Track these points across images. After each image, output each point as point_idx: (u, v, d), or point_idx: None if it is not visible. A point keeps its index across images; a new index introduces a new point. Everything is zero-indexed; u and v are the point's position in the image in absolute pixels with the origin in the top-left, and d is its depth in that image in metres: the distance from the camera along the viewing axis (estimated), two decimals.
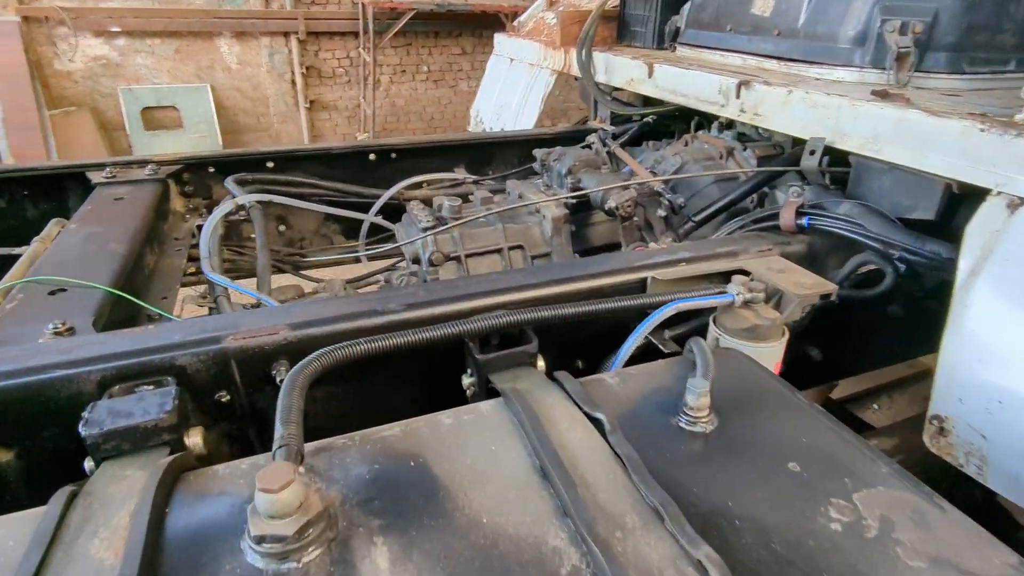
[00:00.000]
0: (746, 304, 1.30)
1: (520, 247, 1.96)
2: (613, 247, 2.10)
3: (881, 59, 1.79)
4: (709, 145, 2.31)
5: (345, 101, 10.18)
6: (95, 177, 2.09)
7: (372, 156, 2.57)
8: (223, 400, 1.11)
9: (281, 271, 2.52)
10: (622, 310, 1.27)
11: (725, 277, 1.44)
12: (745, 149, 2.20)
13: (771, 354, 1.30)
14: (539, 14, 3.67)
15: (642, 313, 1.28)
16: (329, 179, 2.52)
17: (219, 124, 9.21)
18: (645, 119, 2.52)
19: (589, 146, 2.26)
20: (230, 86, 9.30)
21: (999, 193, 1.28)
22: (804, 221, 1.57)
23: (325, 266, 2.69)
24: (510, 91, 3.50)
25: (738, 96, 1.94)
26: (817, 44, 1.93)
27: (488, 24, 10.52)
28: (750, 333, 1.27)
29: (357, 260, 2.64)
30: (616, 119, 2.90)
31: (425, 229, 1.87)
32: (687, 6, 2.53)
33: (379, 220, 2.44)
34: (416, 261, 1.91)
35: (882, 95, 1.58)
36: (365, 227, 2.47)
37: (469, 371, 1.17)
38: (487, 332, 1.17)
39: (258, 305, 1.59)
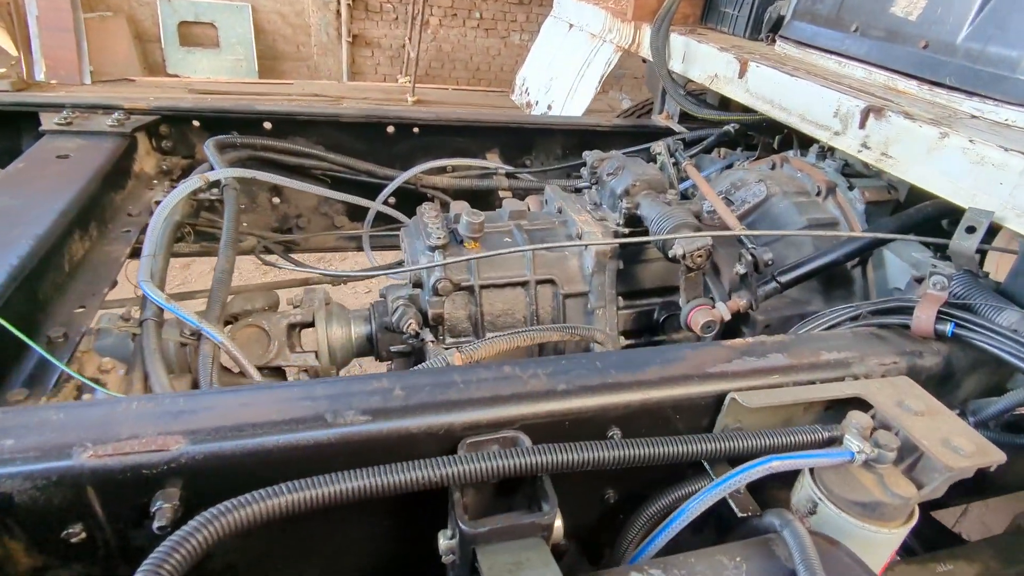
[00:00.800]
0: (867, 464, 0.89)
1: (551, 281, 1.54)
2: (667, 293, 1.67)
3: None
4: (803, 174, 1.85)
5: (390, 39, 9.62)
6: (47, 122, 1.71)
7: (390, 129, 2.14)
8: (75, 540, 0.74)
9: (269, 251, 2.14)
10: (688, 456, 0.87)
11: (834, 406, 1.03)
12: (852, 188, 1.73)
13: (891, 542, 0.90)
14: None
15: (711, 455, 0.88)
16: (337, 150, 2.11)
17: (257, 48, 8.75)
18: (725, 127, 2.04)
19: (655, 158, 1.81)
20: (272, 9, 8.80)
21: None
22: (948, 328, 1.13)
23: (322, 251, 2.30)
24: (565, 62, 3.01)
25: (863, 126, 1.48)
26: (984, 69, 1.44)
27: None
28: (869, 511, 0.87)
29: (359, 248, 2.25)
30: (686, 117, 2.42)
31: (433, 248, 1.46)
32: None
33: (388, 210, 2.03)
34: (418, 285, 1.51)
35: None
36: (371, 215, 2.07)
37: (450, 531, 0.79)
38: (482, 478, 0.78)
39: (197, 338, 1.21)
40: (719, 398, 0.99)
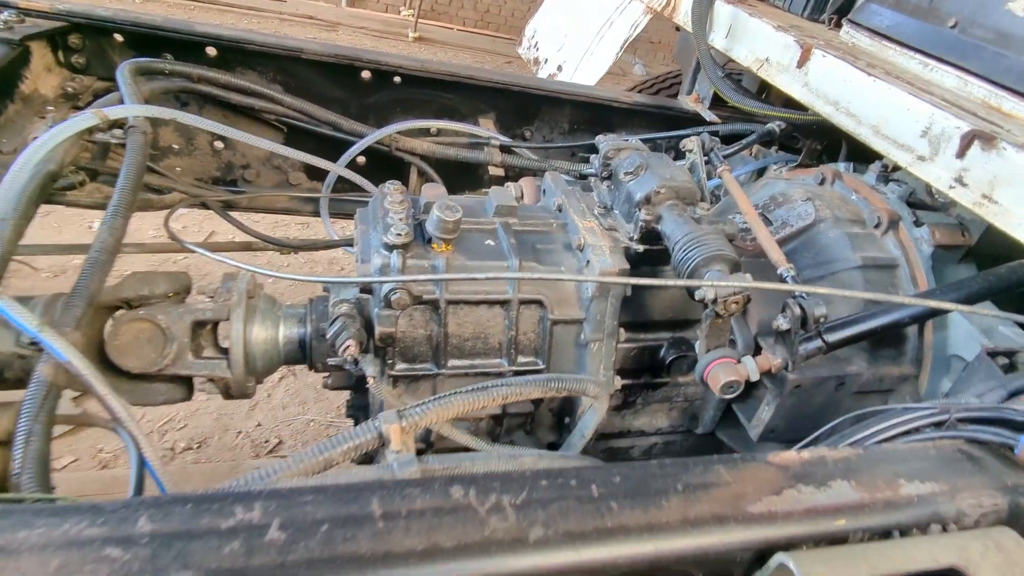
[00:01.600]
0: None
1: (539, 303, 1.21)
2: (680, 327, 1.35)
3: None
4: (859, 197, 1.52)
5: None
6: None
7: (366, 75, 1.75)
8: None
9: (206, 207, 1.77)
10: None
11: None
12: (919, 224, 1.41)
13: None
14: None
15: None
16: (299, 93, 1.72)
17: None
18: (769, 125, 1.68)
19: (682, 154, 1.47)
20: None
21: None
22: None
23: (271, 212, 1.93)
24: (583, 19, 2.60)
25: (961, 155, 1.14)
26: None
27: None
28: None
29: (316, 213, 1.89)
30: (717, 103, 2.06)
31: (391, 247, 1.11)
32: None
33: (352, 175, 1.66)
34: (369, 291, 1.17)
35: None
36: (331, 178, 1.70)
37: None
38: None
39: (37, 349, 0.86)
40: (761, 553, 0.68)
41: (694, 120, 2.00)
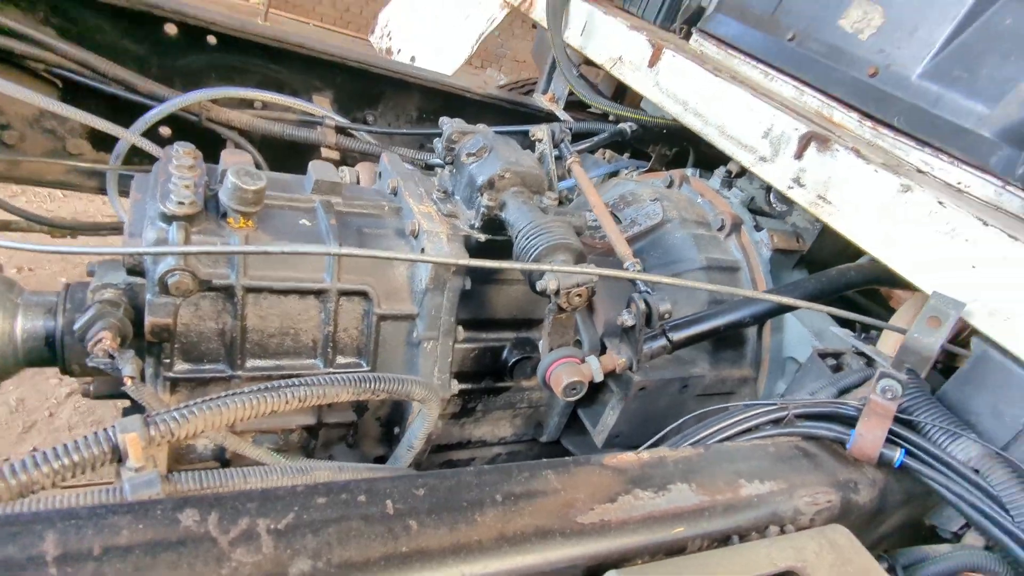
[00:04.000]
0: None
1: (363, 294, 1.03)
2: (524, 326, 1.24)
3: None
4: (705, 201, 1.51)
5: None
6: None
7: (171, 29, 1.47)
8: None
9: None
10: None
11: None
12: (759, 229, 1.42)
13: None
14: None
15: None
16: (87, 44, 1.40)
17: None
18: (621, 125, 1.65)
19: (533, 145, 1.37)
20: None
21: None
22: (897, 457, 0.81)
23: (42, 185, 1.57)
24: (439, 9, 2.48)
25: (799, 156, 1.15)
26: (939, 115, 1.17)
27: None
28: None
29: (102, 189, 1.55)
30: (573, 106, 2.02)
31: (169, 218, 0.88)
32: None
33: (147, 144, 1.37)
34: (138, 272, 0.92)
35: None
36: (121, 147, 1.40)
37: None
38: None
39: None
40: (591, 571, 0.56)
41: (548, 118, 1.94)
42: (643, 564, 0.57)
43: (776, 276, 1.41)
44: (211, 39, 1.52)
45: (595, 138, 1.64)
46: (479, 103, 1.88)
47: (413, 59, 2.52)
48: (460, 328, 1.13)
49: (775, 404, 0.87)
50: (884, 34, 1.29)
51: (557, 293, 0.97)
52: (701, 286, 1.04)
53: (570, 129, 1.47)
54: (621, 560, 0.57)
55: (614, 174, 1.92)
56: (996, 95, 1.11)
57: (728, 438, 0.85)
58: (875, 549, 0.87)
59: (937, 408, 0.88)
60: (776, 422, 0.86)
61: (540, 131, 1.34)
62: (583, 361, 1.07)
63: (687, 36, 1.78)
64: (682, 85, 1.43)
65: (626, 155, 2.00)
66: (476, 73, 9.70)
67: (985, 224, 0.90)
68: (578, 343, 1.20)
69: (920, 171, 1.17)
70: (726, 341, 1.33)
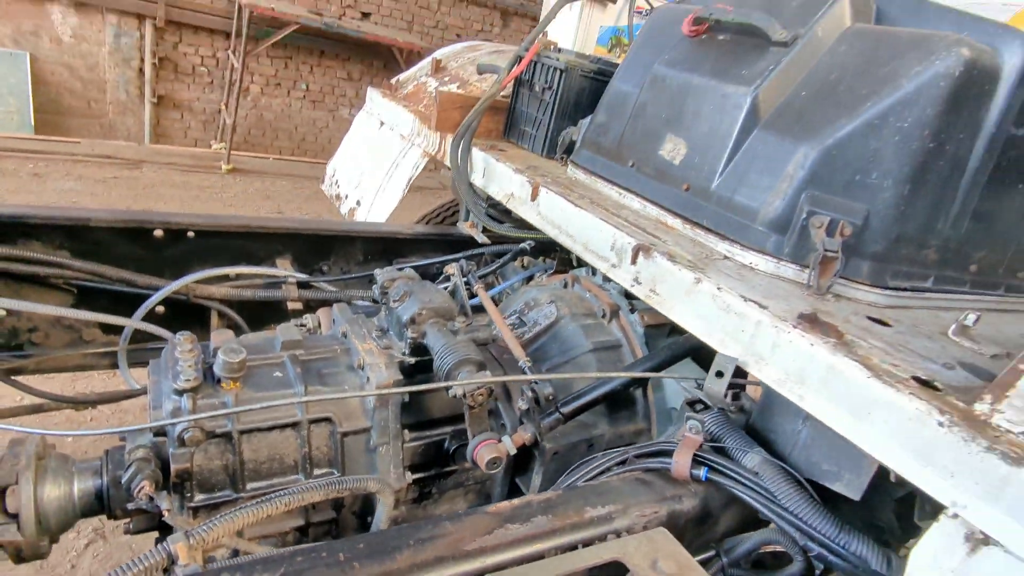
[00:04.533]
0: None
1: (328, 420, 1.40)
2: (459, 421, 1.60)
3: (803, 254, 1.49)
4: (591, 295, 1.93)
5: (203, 103, 9.04)
6: None
7: (159, 233, 1.89)
8: None
9: None
10: None
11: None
12: (633, 311, 1.83)
13: None
14: (422, 78, 3.20)
15: None
16: (92, 256, 1.81)
17: (35, 101, 7.69)
18: (522, 245, 2.09)
19: (448, 278, 1.79)
20: (57, 60, 7.85)
21: (955, 516, 0.96)
22: (702, 473, 1.18)
23: (66, 371, 1.93)
24: (375, 160, 2.97)
25: (634, 262, 1.56)
26: (731, 216, 1.61)
27: (381, 55, 9.98)
28: None
29: (115, 366, 1.92)
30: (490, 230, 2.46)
31: (180, 392, 1.25)
32: (586, 121, 2.17)
33: (149, 326, 1.76)
34: (162, 433, 1.28)
35: (810, 321, 1.25)
36: (127, 332, 1.78)
37: None
38: None
39: None
40: None
41: (469, 243, 2.37)
42: (510, 570, 0.92)
43: (652, 345, 1.80)
44: (190, 234, 1.94)
45: (502, 259, 2.06)
46: (411, 240, 2.31)
47: (358, 203, 2.98)
48: (406, 431, 1.49)
49: (621, 450, 1.24)
50: (688, 160, 1.75)
51: (465, 396, 1.35)
52: (562, 376, 1.43)
53: (483, 254, 1.89)
54: (496, 570, 0.91)
55: (531, 278, 2.34)
56: (761, 198, 1.56)
57: (591, 479, 1.21)
58: (715, 543, 1.23)
59: (736, 433, 1.26)
60: (622, 463, 1.23)
61: (451, 268, 1.76)
62: (500, 440, 1.43)
63: (565, 164, 2.25)
64: (555, 213, 1.87)
65: (542, 259, 2.44)
66: (432, 174, 10.45)
67: (745, 300, 1.31)
68: (504, 426, 1.57)
69: (726, 257, 1.60)
70: (620, 402, 1.71)
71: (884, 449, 1.06)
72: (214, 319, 1.91)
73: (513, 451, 1.42)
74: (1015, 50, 1.46)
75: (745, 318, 1.29)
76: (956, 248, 1.59)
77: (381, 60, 10.12)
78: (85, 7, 7.72)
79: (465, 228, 2.45)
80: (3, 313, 1.78)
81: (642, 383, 1.69)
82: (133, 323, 1.72)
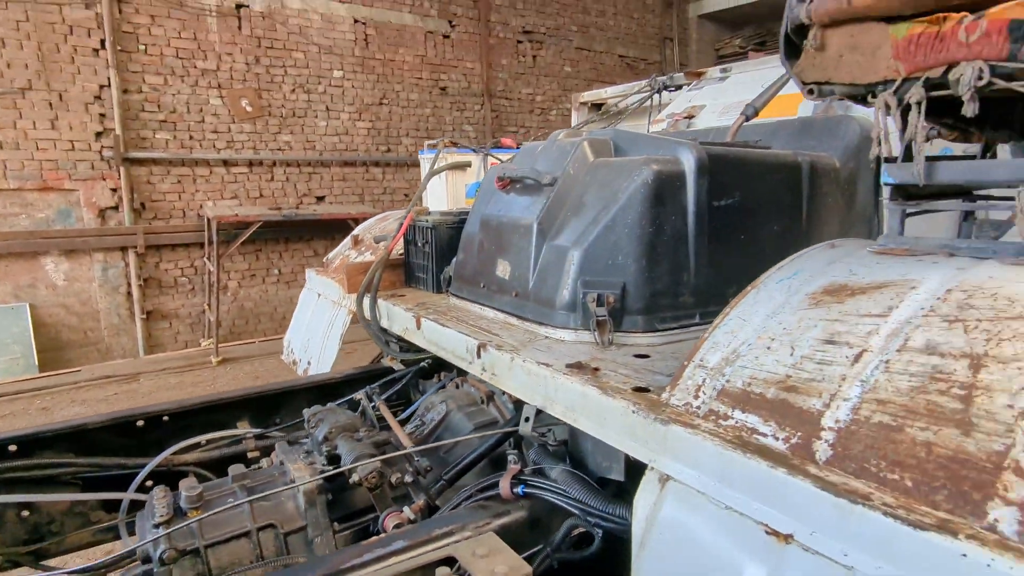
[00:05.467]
0: None
1: (272, 526, 1.90)
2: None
3: (588, 323, 2.08)
4: (474, 388, 2.48)
5: (188, 308, 9.91)
6: None
7: (140, 423, 2.46)
8: None
9: (17, 565, 2.22)
10: None
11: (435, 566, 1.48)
12: (503, 394, 2.38)
13: None
14: (345, 252, 3.93)
15: None
16: (90, 452, 2.37)
17: (37, 343, 8.50)
18: (421, 363, 2.67)
19: (358, 403, 2.34)
20: (54, 303, 8.76)
21: (652, 468, 1.47)
22: (520, 489, 1.68)
23: (80, 549, 2.42)
24: (316, 325, 3.61)
25: (479, 356, 2.14)
26: (544, 307, 2.22)
27: (338, 228, 11.06)
28: None
29: (118, 537, 2.41)
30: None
31: (157, 525, 1.77)
32: (455, 259, 2.84)
33: (141, 496, 2.28)
34: (148, 560, 1.78)
35: (577, 367, 1.81)
36: (125, 504, 2.29)
37: None
38: None
39: None
40: None
41: (389, 372, 2.95)
42: (366, 570, 1.41)
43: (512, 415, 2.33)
44: (165, 418, 2.51)
45: (404, 381, 2.64)
46: (344, 382, 2.89)
47: (309, 363, 3.58)
48: (335, 523, 1.98)
49: (474, 484, 1.75)
50: (513, 274, 2.39)
51: (362, 481, 1.86)
52: (434, 445, 1.95)
53: (396, 379, 2.46)
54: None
55: (444, 386, 2.89)
56: (556, 291, 2.17)
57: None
58: (543, 539, 1.71)
59: (548, 458, 1.77)
60: (468, 497, 1.73)
61: (359, 395, 2.33)
62: (403, 511, 1.93)
63: (448, 296, 2.89)
64: (433, 335, 2.47)
65: (455, 371, 3.00)
66: None
67: (538, 364, 1.87)
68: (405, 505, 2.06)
69: (546, 337, 2.18)
70: (502, 460, 2.20)
71: (616, 439, 1.58)
72: (191, 480, 2.42)
73: (412, 517, 1.91)
74: (688, 156, 2.15)
75: (539, 376, 1.86)
76: (707, 290, 2.19)
77: (342, 232, 11.21)
78: (74, 252, 8.78)
79: (387, 362, 3.04)
80: (26, 514, 2.30)
81: (515, 442, 2.20)
82: (128, 496, 2.24)
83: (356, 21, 11.23)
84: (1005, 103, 1.70)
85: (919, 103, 1.50)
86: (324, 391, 2.85)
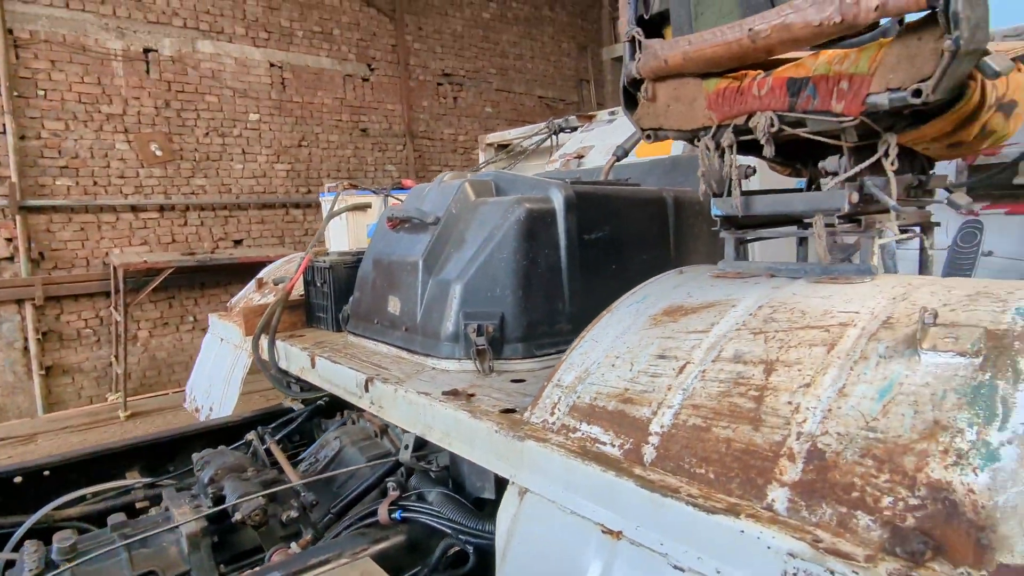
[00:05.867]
0: None
1: (152, 573, 1.88)
2: (260, 548, 2.10)
3: (470, 352, 2.19)
4: (370, 424, 2.54)
5: (93, 361, 9.39)
6: None
7: (17, 479, 2.37)
8: None
9: None
10: None
11: None
12: (396, 426, 2.45)
13: None
14: (249, 295, 3.92)
15: None
16: None
17: None
18: (317, 402, 2.71)
19: (249, 443, 2.35)
20: None
21: (512, 483, 1.58)
22: (397, 515, 1.76)
23: None
24: (218, 370, 3.57)
25: (367, 390, 2.21)
26: (430, 340, 2.32)
27: (257, 271, 10.82)
28: None
29: None
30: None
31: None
32: (352, 298, 2.91)
33: (15, 556, 2.19)
34: None
35: (453, 394, 1.92)
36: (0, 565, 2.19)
37: None
38: None
39: None
40: None
41: (288, 412, 2.95)
42: None
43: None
44: (46, 472, 2.42)
45: (297, 420, 2.66)
46: (243, 424, 2.87)
47: (211, 409, 3.53)
48: (221, 565, 1.98)
49: (348, 517, 1.81)
50: (403, 310, 2.48)
51: (245, 520, 1.88)
52: (326, 475, 2.00)
53: (293, 418, 2.48)
54: None
55: (344, 424, 2.93)
56: (441, 323, 2.28)
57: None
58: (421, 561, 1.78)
59: (427, 483, 1.85)
60: (349, 527, 1.79)
61: (250, 435, 2.34)
62: (290, 547, 1.95)
63: (346, 333, 2.95)
64: (327, 372, 2.52)
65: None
66: None
67: (418, 393, 1.97)
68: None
69: (433, 368, 2.28)
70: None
71: (483, 458, 1.69)
72: (67, 532, 2.34)
73: (299, 552, 1.94)
74: (558, 195, 2.34)
75: (419, 405, 1.95)
76: (581, 316, 2.34)
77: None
78: None
79: (287, 403, 3.04)
80: None
81: (407, 471, 2.27)
82: (2, 556, 2.14)
83: (272, 65, 11.23)
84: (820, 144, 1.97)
85: (731, 146, 1.73)
86: (222, 435, 2.82)
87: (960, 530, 0.96)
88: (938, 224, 2.13)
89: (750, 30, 1.50)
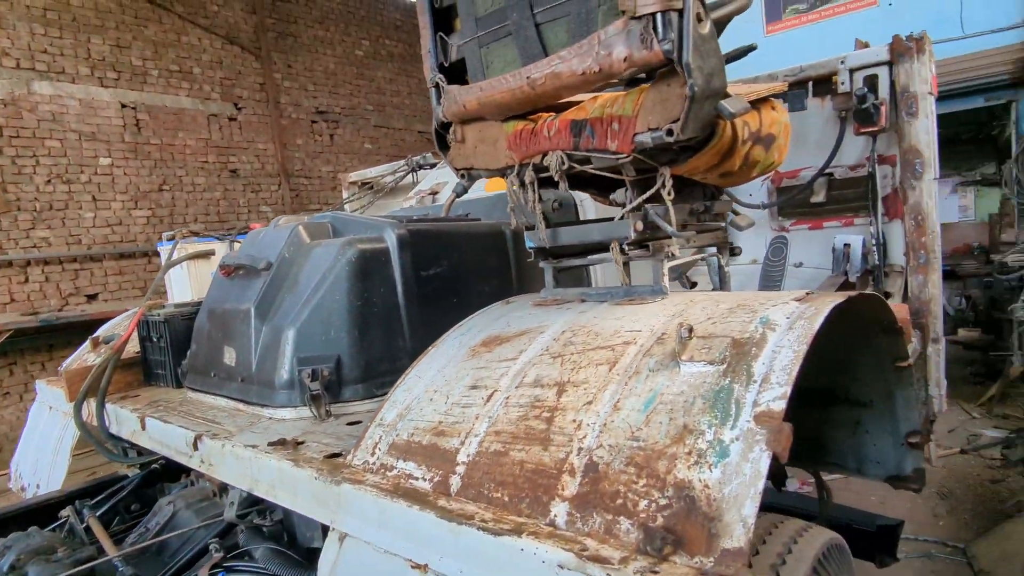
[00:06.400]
0: None
1: None
2: None
3: (306, 399, 2.15)
4: (209, 484, 2.41)
5: None
6: None
7: None
8: None
9: None
10: None
11: None
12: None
13: None
14: (84, 356, 3.62)
15: None
16: None
17: None
18: (151, 467, 2.53)
19: (65, 521, 2.16)
20: None
21: (332, 528, 1.57)
22: (220, 574, 1.68)
23: None
24: (46, 441, 3.24)
25: (196, 448, 2.11)
26: (266, 389, 2.25)
27: None
28: None
29: None
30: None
31: None
32: (189, 352, 2.77)
33: None
34: None
35: (279, 444, 1.87)
36: None
37: None
38: None
39: None
40: None
41: (120, 480, 2.74)
42: None
43: None
44: None
45: (126, 490, 2.48)
46: (62, 500, 2.62)
47: (38, 486, 3.19)
48: None
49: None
50: (239, 360, 2.40)
51: None
52: (150, 543, 1.87)
53: (125, 486, 2.29)
54: None
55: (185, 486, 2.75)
56: (276, 371, 2.22)
57: None
58: None
59: (256, 540, 1.79)
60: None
61: (66, 512, 2.14)
62: None
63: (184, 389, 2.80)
64: (159, 434, 2.37)
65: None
66: None
67: (245, 446, 1.90)
68: None
69: (270, 418, 2.21)
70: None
71: (306, 507, 1.66)
72: None
73: None
74: (391, 234, 2.37)
75: (246, 459, 1.88)
76: (423, 351, 2.38)
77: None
78: None
79: (123, 470, 2.82)
80: None
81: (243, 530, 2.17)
82: None
83: (124, 106, 10.55)
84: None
85: (532, 183, 1.85)
86: (41, 515, 2.56)
87: (697, 523, 1.06)
88: (733, 245, 2.38)
89: (528, 78, 1.63)
